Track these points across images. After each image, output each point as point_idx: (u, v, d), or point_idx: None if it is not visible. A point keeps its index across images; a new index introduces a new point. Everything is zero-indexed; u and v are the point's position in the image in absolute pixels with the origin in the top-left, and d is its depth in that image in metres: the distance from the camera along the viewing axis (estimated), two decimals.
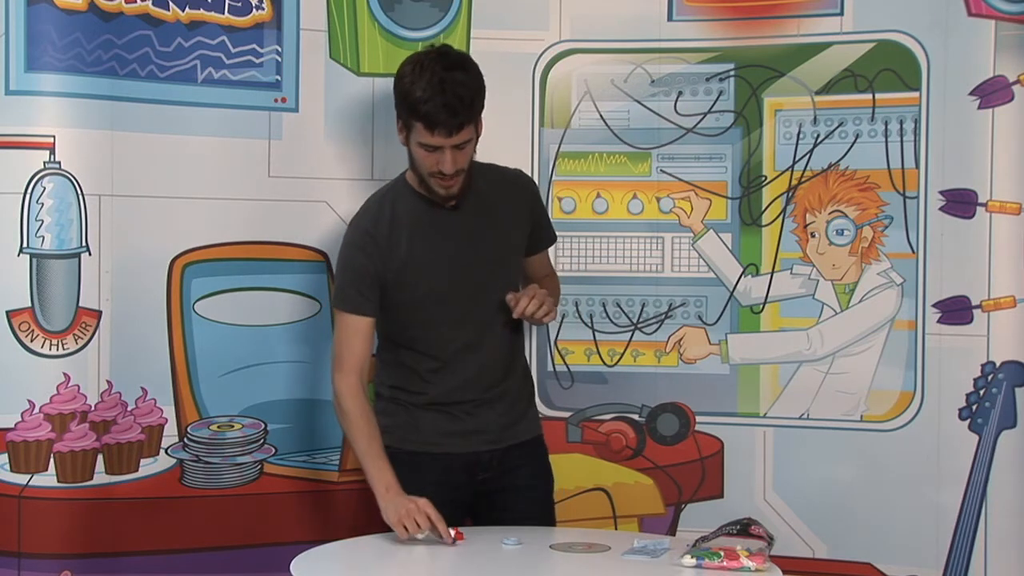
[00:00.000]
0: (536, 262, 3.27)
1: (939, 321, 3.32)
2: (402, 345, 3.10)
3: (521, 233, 3.16)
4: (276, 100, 3.40)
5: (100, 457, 3.26)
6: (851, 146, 3.40)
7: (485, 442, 3.09)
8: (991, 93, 3.26)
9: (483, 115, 3.09)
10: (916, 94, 3.33)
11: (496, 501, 3.11)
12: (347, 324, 3.04)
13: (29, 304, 3.20)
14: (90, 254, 3.24)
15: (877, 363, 3.38)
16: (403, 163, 3.48)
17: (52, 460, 3.22)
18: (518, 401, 3.17)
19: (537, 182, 3.50)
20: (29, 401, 3.20)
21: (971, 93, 3.27)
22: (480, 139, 3.00)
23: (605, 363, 3.53)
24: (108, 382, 3.27)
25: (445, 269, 3.04)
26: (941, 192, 3.32)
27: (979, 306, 3.28)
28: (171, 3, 3.30)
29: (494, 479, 3.11)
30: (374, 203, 3.10)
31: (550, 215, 3.35)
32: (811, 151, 3.42)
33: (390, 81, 3.44)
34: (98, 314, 3.25)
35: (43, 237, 3.21)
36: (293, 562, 2.66)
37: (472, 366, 3.07)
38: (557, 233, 3.32)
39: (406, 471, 2.99)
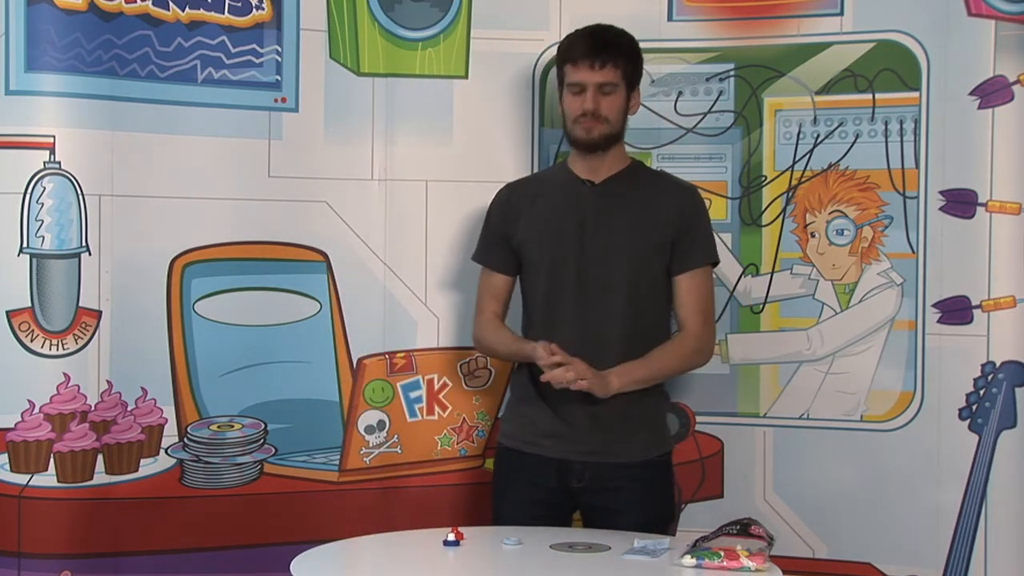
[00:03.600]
0: (683, 288, 3.09)
1: (939, 321, 3.32)
2: (527, 324, 3.18)
3: (660, 235, 3.07)
4: (276, 100, 3.40)
5: (100, 457, 3.26)
6: (851, 146, 3.40)
7: (576, 452, 3.05)
8: (991, 93, 3.26)
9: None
10: (916, 94, 3.34)
11: (595, 518, 3.08)
12: (481, 275, 3.25)
13: (29, 304, 3.21)
14: (90, 254, 3.24)
15: (877, 363, 3.38)
16: (402, 164, 3.50)
17: (52, 460, 3.22)
18: (628, 418, 3.05)
19: None
20: (29, 401, 3.20)
21: (971, 93, 3.27)
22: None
23: None
24: (108, 382, 3.27)
25: (562, 238, 3.07)
26: (941, 192, 3.32)
27: (979, 306, 3.28)
28: (171, 3, 3.30)
29: (588, 493, 3.07)
30: (531, 174, 3.36)
31: None
32: (811, 151, 3.43)
33: (390, 81, 3.47)
34: (98, 314, 3.25)
35: (43, 237, 3.21)
36: (293, 562, 2.65)
37: (569, 352, 2.99)
38: None
39: (501, 467, 3.19)
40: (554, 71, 3.47)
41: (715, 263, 3.16)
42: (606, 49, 3.02)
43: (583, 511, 3.14)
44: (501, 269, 3.21)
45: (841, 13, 3.38)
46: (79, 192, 3.22)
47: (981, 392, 3.28)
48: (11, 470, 3.21)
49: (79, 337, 3.23)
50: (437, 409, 3.53)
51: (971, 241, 3.28)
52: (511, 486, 3.15)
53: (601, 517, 3.05)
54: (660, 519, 3.06)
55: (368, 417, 3.48)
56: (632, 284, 3.06)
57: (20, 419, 3.20)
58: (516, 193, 3.21)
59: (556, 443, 3.07)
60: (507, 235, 3.17)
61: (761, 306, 3.48)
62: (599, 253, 3.07)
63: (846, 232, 3.41)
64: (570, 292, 3.08)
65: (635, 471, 3.07)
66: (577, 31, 3.10)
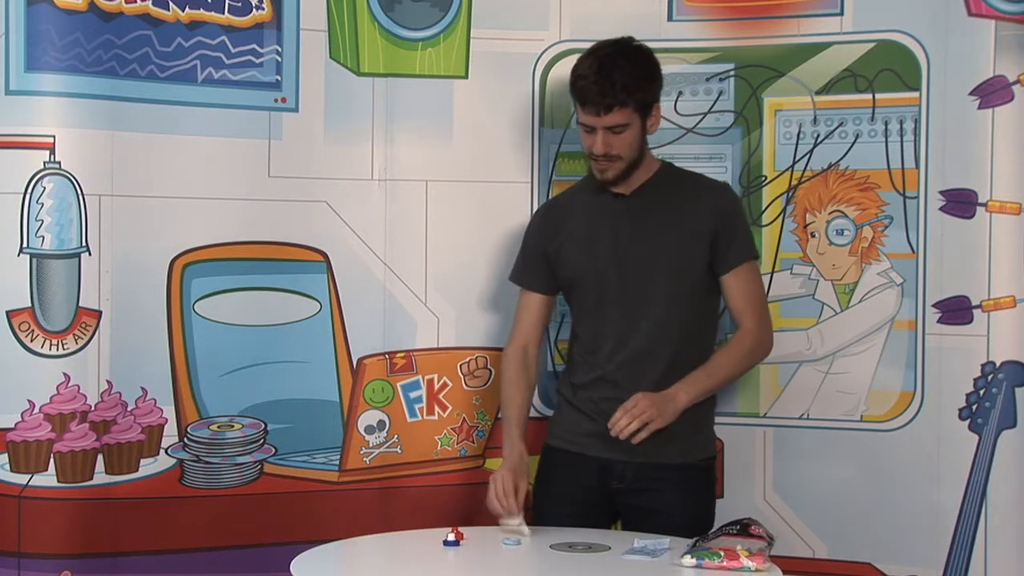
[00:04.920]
0: (732, 286, 3.09)
1: (939, 321, 3.32)
2: (573, 338, 3.19)
3: (698, 239, 3.06)
4: (276, 100, 3.40)
5: (100, 457, 3.26)
6: (851, 146, 3.40)
7: (618, 451, 3.03)
8: (991, 93, 3.26)
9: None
10: (916, 94, 3.33)
11: (635, 520, 3.07)
12: (520, 297, 3.24)
13: (29, 304, 3.20)
14: (90, 254, 3.24)
15: (877, 363, 3.38)
16: (402, 164, 3.50)
17: (52, 460, 3.22)
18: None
19: (537, 182, 3.51)
20: (29, 401, 3.20)
21: (971, 93, 3.27)
22: (641, 132, 3.04)
23: None
24: (108, 382, 3.27)
25: (601, 250, 3.07)
26: (941, 192, 3.32)
27: (979, 306, 3.28)
28: (171, 3, 3.30)
29: (629, 494, 3.07)
30: (566, 189, 3.31)
31: None
32: (811, 151, 3.43)
33: (390, 81, 3.47)
34: (98, 314, 3.25)
35: (43, 237, 3.21)
36: (293, 562, 2.66)
37: (616, 360, 3.04)
38: None
39: (544, 464, 3.18)
40: (554, 71, 3.49)
41: (756, 257, 3.16)
42: (612, 94, 2.94)
43: (623, 512, 3.13)
44: (539, 289, 3.20)
45: (841, 13, 3.38)
46: (79, 192, 3.22)
47: (981, 392, 3.27)
48: (11, 470, 3.20)
49: (79, 337, 3.23)
50: (437, 409, 3.53)
51: (971, 241, 3.28)
52: (552, 483, 3.15)
53: (641, 518, 3.04)
54: (700, 523, 3.00)
55: (368, 417, 3.48)
56: (675, 292, 3.06)
57: (20, 419, 3.20)
58: (552, 211, 3.22)
59: (598, 443, 3.05)
60: (545, 253, 3.17)
61: None
62: (638, 265, 3.06)
63: (846, 232, 3.41)
64: (613, 306, 3.07)
65: (677, 473, 3.06)
66: (586, 62, 2.99)
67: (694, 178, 3.19)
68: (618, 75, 2.95)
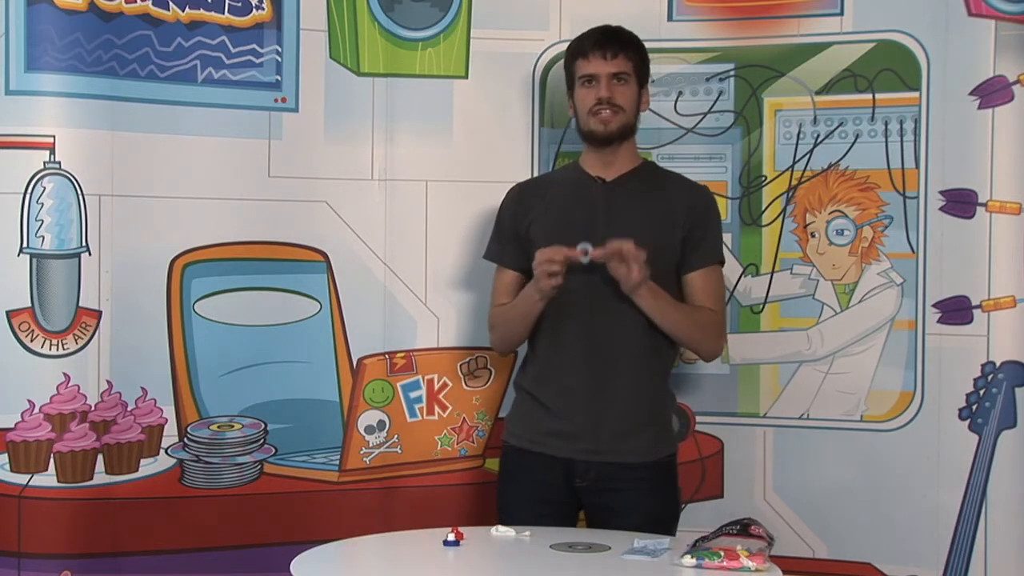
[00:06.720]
0: (696, 286, 3.08)
1: (939, 321, 3.32)
2: (534, 324, 3.11)
3: (671, 233, 3.06)
4: (276, 100, 3.40)
5: (100, 457, 3.26)
6: (851, 146, 3.40)
7: (581, 451, 3.03)
8: (991, 93, 3.26)
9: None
10: (916, 94, 3.34)
11: (599, 518, 3.06)
12: (495, 274, 3.20)
13: (29, 304, 3.21)
14: (90, 254, 3.24)
15: (877, 363, 3.38)
16: (402, 164, 3.50)
17: (52, 460, 3.22)
18: (633, 416, 3.04)
19: None
20: (29, 401, 3.20)
21: (971, 93, 3.27)
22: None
23: None
24: (108, 382, 3.27)
25: (574, 231, 3.02)
26: (941, 192, 3.32)
27: (979, 306, 3.28)
28: (171, 3, 3.30)
29: (593, 492, 3.05)
30: (545, 172, 3.40)
31: None
32: (811, 151, 3.43)
33: (390, 81, 3.47)
34: (98, 314, 3.25)
35: (43, 237, 3.21)
36: (293, 562, 2.65)
37: (579, 355, 3.02)
38: None
39: (507, 465, 3.15)
40: (554, 71, 3.49)
41: (722, 262, 3.15)
42: (617, 40, 3.06)
43: (587, 510, 3.13)
44: (514, 266, 3.16)
45: (841, 13, 3.38)
46: (79, 192, 3.22)
47: (981, 392, 3.28)
48: (11, 470, 3.21)
49: (79, 337, 3.23)
50: (437, 409, 3.53)
51: (971, 241, 3.28)
52: (516, 484, 3.13)
53: (604, 517, 3.04)
54: (663, 520, 3.04)
55: (368, 417, 3.48)
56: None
57: (20, 419, 3.20)
58: (527, 191, 3.20)
59: (561, 442, 3.05)
60: (518, 232, 3.14)
61: (761, 306, 3.48)
62: None
63: (846, 232, 3.42)
64: (580, 290, 3.04)
65: (639, 471, 3.05)
66: (584, 34, 3.11)
67: (674, 176, 3.19)
68: (622, 31, 3.09)
